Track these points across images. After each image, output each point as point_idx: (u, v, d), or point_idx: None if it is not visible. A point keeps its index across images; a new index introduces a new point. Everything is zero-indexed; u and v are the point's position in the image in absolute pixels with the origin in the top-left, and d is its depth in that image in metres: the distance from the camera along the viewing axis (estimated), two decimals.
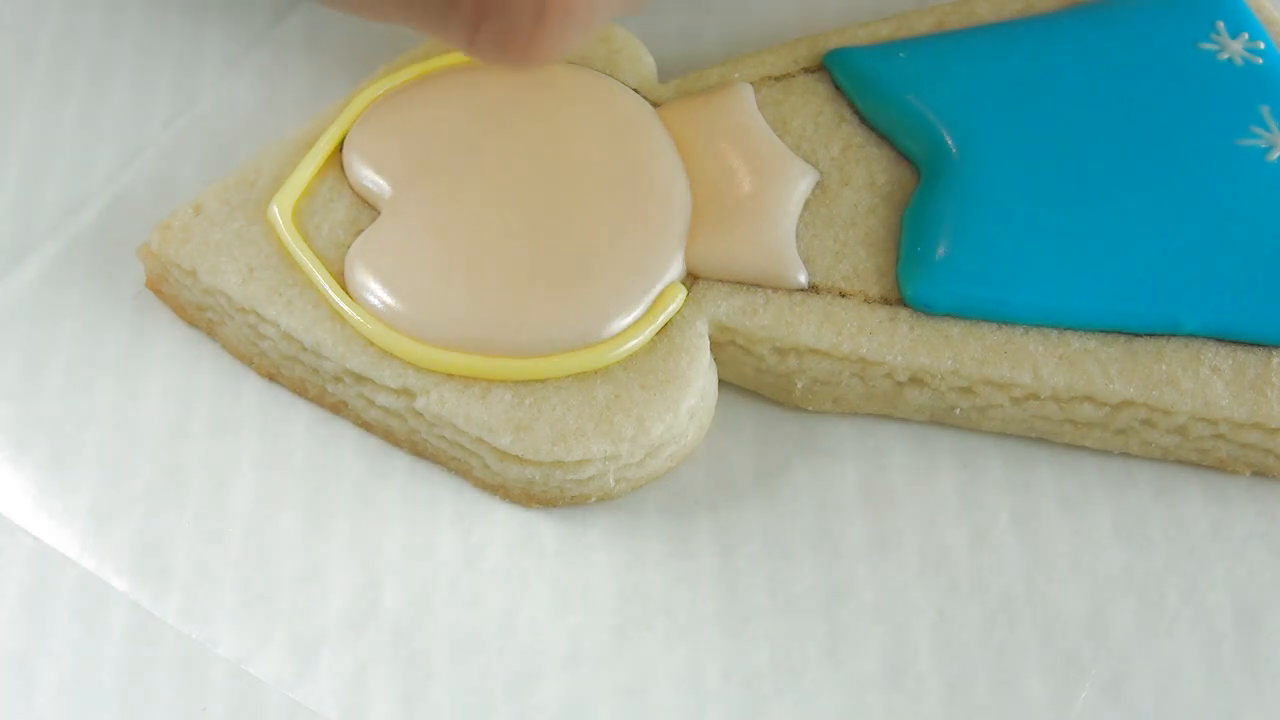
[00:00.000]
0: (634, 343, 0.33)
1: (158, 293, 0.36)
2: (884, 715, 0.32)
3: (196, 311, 0.36)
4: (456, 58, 0.37)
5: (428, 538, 0.34)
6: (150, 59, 0.40)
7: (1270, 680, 0.33)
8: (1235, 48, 0.38)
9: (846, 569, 0.34)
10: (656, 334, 0.34)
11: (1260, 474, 0.35)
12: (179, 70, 0.40)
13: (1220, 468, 0.35)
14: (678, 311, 0.34)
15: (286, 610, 0.33)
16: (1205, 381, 0.34)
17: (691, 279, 0.35)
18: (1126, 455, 0.35)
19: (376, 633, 0.33)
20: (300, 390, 0.35)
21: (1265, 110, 0.37)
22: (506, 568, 0.34)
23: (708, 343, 0.34)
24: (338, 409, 0.35)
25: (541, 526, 0.34)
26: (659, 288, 0.34)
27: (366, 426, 0.35)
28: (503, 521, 0.34)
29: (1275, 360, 0.34)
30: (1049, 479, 0.35)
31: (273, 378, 0.35)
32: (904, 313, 0.34)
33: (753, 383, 0.35)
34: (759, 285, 0.35)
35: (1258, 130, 0.37)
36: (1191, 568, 0.34)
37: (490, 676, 0.32)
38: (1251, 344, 0.34)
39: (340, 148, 0.36)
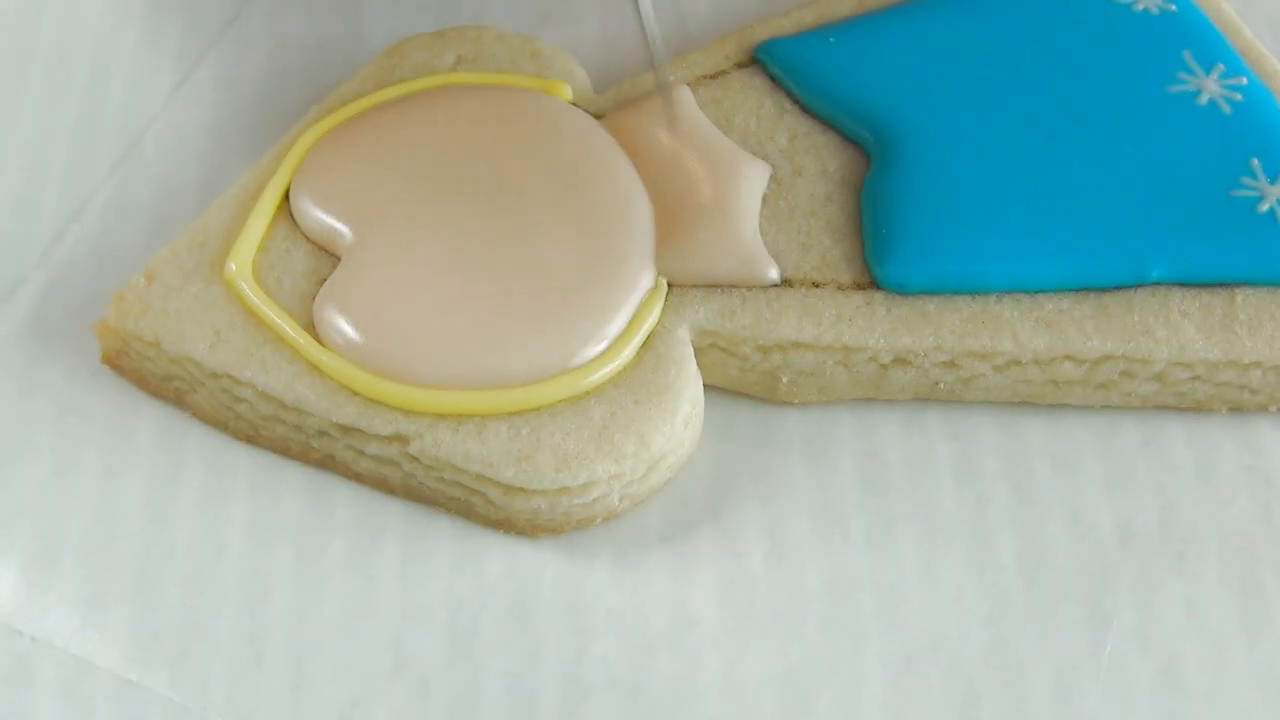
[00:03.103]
0: (621, 358, 0.33)
1: (116, 368, 0.35)
2: (902, 700, 0.32)
3: (162, 382, 0.35)
4: (390, 92, 0.37)
5: (431, 583, 0.33)
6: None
7: (1272, 611, 0.33)
8: None
9: (853, 559, 0.34)
10: (641, 347, 0.34)
11: (1236, 409, 0.35)
12: (100, 129, 0.39)
13: (1198, 408, 0.35)
14: (658, 322, 0.34)
15: (288, 677, 0.32)
16: (1177, 327, 0.34)
17: (666, 287, 0.34)
18: (1108, 407, 0.35)
19: (387, 687, 0.32)
20: (283, 449, 0.34)
21: (1188, 55, 0.38)
22: (515, 600, 0.33)
23: (691, 349, 0.34)
24: (325, 463, 0.34)
25: (545, 554, 0.34)
26: (635, 300, 0.34)
27: (358, 477, 0.34)
28: (505, 555, 0.34)
29: (1239, 298, 0.35)
30: (1038, 441, 0.35)
31: (251, 440, 0.34)
32: (879, 295, 0.35)
33: (737, 383, 0.35)
34: (732, 285, 0.35)
35: (1184, 76, 0.37)
36: (1185, 512, 0.34)
37: (509, 713, 0.32)
38: (1214, 285, 0.35)
39: (287, 195, 0.35)
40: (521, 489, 0.32)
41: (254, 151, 0.38)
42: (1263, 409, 0.35)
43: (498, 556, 0.34)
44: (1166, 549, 0.34)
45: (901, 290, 0.35)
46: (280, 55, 0.40)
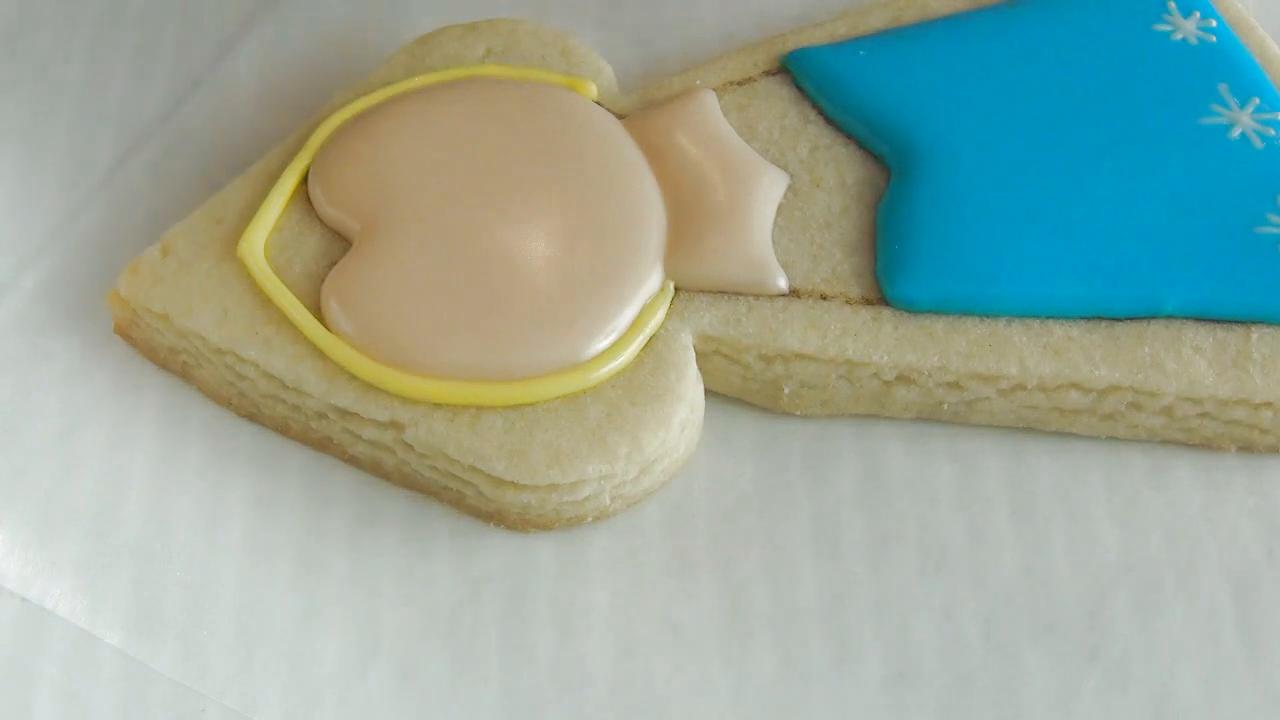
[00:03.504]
0: (621, 359, 0.33)
1: (127, 338, 0.36)
2: (892, 717, 0.32)
3: (169, 355, 0.35)
4: (415, 81, 0.37)
5: (426, 571, 0.33)
6: (94, 95, 0.40)
7: (1268, 652, 0.33)
8: (1189, 27, 0.38)
9: (847, 573, 0.33)
10: (642, 349, 0.34)
11: (1246, 449, 0.35)
12: (126, 105, 0.40)
13: (1207, 445, 0.35)
14: (661, 324, 0.34)
15: (285, 655, 0.32)
16: (1188, 361, 0.34)
17: (672, 290, 0.34)
18: (1115, 439, 0.35)
19: (375, 673, 0.32)
20: (283, 429, 0.34)
21: (1223, 88, 0.37)
22: (507, 595, 0.33)
23: (693, 354, 0.34)
24: (323, 445, 0.34)
25: (540, 550, 0.34)
26: (641, 302, 0.34)
27: (354, 461, 0.34)
28: (500, 548, 0.34)
29: (1254, 336, 0.34)
30: (1041, 467, 0.35)
31: (253, 417, 0.35)
32: (886, 312, 0.34)
33: (739, 391, 0.35)
34: (740, 293, 0.35)
35: (1218, 108, 0.37)
36: (1186, 548, 0.34)
37: (497, 706, 0.32)
38: (1230, 321, 0.34)
39: (305, 178, 0.36)
40: (512, 483, 0.32)
41: (285, 131, 0.39)
42: (1273, 450, 0.35)
43: (493, 550, 0.34)
44: (1164, 584, 0.33)
45: (910, 308, 0.34)
46: (319, 36, 0.41)
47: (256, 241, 0.34)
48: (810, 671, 0.32)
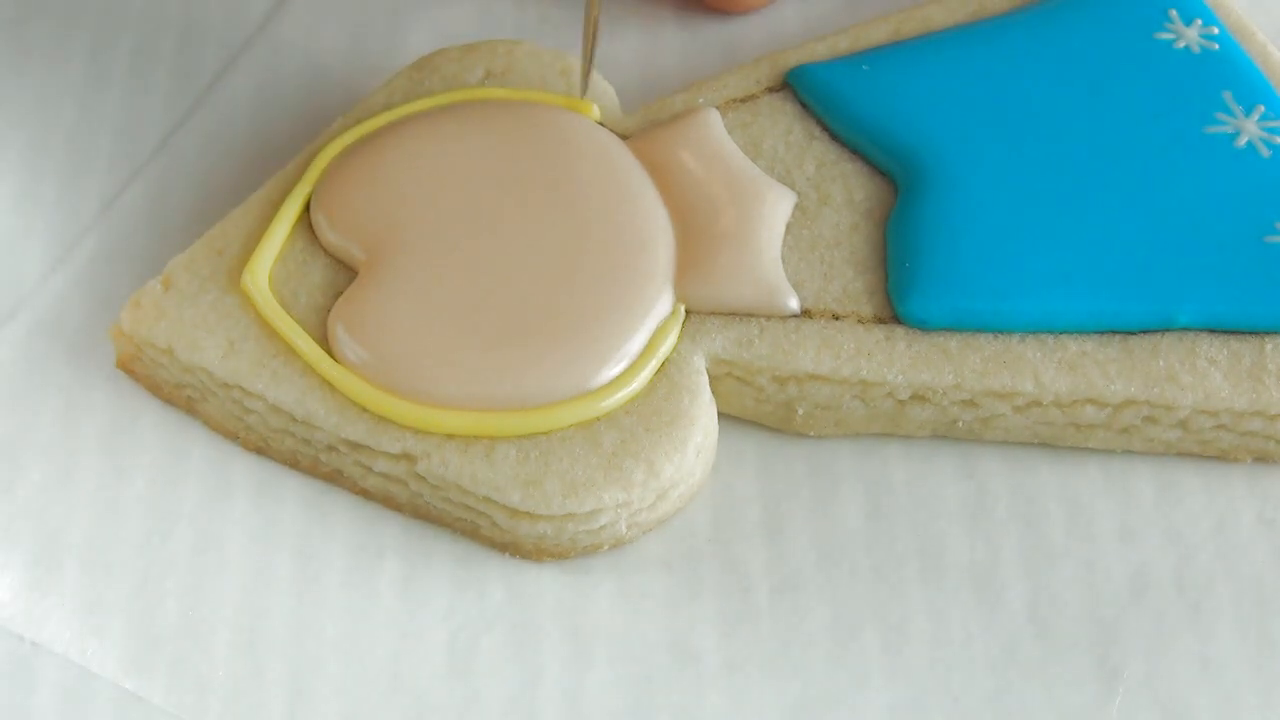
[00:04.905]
0: (634, 384, 0.33)
1: (130, 372, 0.35)
2: None
3: (174, 390, 0.34)
4: (416, 105, 0.36)
5: (429, 606, 0.33)
6: (89, 125, 0.39)
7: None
8: (1191, 35, 0.38)
9: (861, 596, 0.33)
10: (655, 374, 0.33)
11: (1261, 460, 0.35)
12: (120, 135, 0.39)
13: (1222, 457, 0.35)
14: (673, 348, 0.33)
15: (284, 689, 0.32)
16: (1203, 374, 0.34)
17: (683, 313, 0.34)
18: (1129, 452, 0.35)
19: (380, 706, 0.32)
20: (292, 462, 0.34)
21: (1228, 96, 0.37)
22: (516, 628, 0.33)
23: (706, 378, 0.34)
24: (333, 478, 0.34)
25: (547, 578, 0.33)
26: (652, 326, 0.33)
27: (364, 493, 0.34)
28: (506, 577, 0.33)
29: (1268, 347, 0.34)
30: (1055, 484, 0.34)
31: (261, 451, 0.34)
32: (899, 330, 0.34)
33: (752, 413, 0.35)
34: (751, 315, 0.34)
35: (1223, 117, 0.37)
36: (1200, 562, 0.34)
37: None
38: (1244, 332, 0.34)
39: (307, 206, 0.35)
40: (528, 514, 0.32)
41: (285, 157, 0.38)
42: None
43: (500, 579, 0.33)
44: (1181, 601, 0.33)
45: (924, 326, 0.34)
46: (315, 61, 0.40)
47: (260, 273, 0.34)
48: (820, 698, 0.32)
